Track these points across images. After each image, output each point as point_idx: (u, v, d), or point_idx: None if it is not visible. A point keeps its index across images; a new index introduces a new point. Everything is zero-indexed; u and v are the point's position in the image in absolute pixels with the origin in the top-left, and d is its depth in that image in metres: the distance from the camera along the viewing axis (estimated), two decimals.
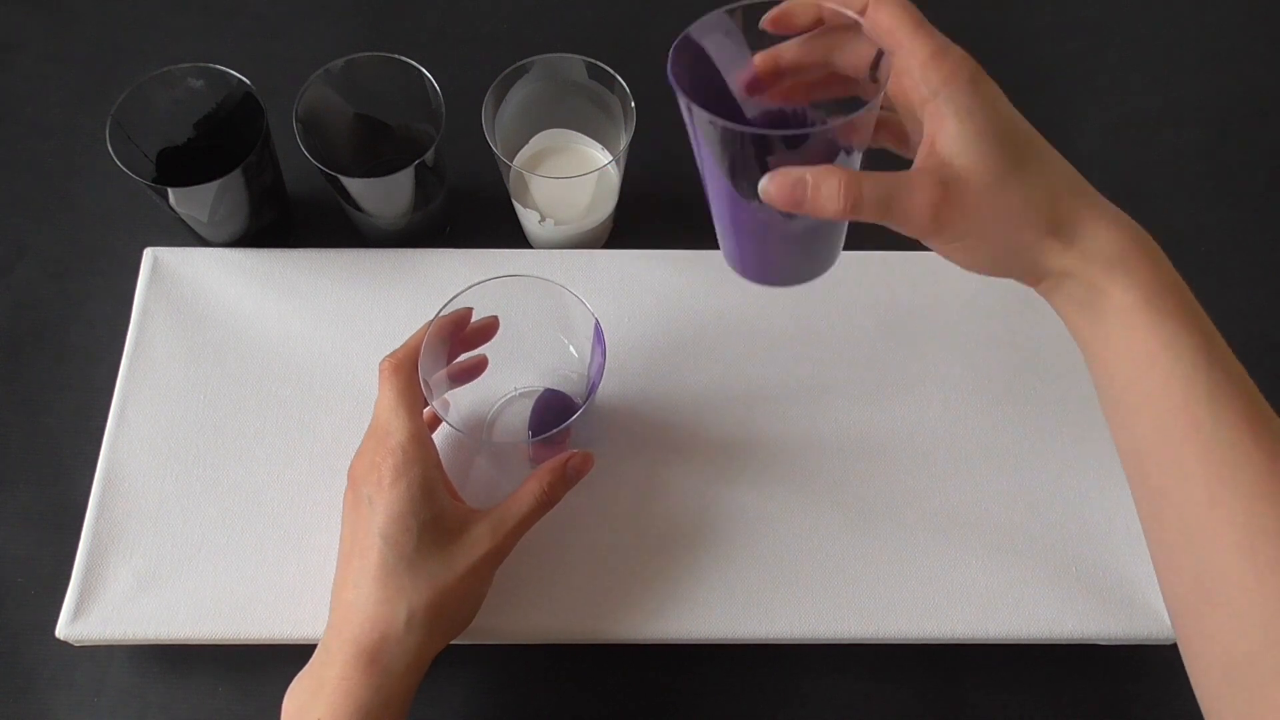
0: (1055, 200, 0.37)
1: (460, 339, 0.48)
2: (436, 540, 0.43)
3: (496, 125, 0.54)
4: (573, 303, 0.46)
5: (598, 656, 0.51)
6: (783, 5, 0.38)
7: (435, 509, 0.43)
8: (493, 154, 0.54)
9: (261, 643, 0.49)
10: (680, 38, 0.38)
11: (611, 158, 0.56)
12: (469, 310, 0.47)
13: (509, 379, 0.54)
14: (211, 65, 0.53)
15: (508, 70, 0.54)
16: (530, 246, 0.61)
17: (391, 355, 0.46)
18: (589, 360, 0.48)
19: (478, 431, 0.53)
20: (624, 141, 0.54)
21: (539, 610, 0.49)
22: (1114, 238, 0.37)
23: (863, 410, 0.54)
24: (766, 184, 0.36)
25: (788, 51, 0.39)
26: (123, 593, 0.49)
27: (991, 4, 0.72)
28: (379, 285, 0.56)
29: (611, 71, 0.54)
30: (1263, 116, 0.68)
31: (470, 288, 0.46)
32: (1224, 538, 0.34)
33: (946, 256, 0.39)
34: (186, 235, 0.57)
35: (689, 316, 0.56)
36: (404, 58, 0.53)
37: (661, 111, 0.65)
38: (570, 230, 0.58)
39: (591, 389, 0.46)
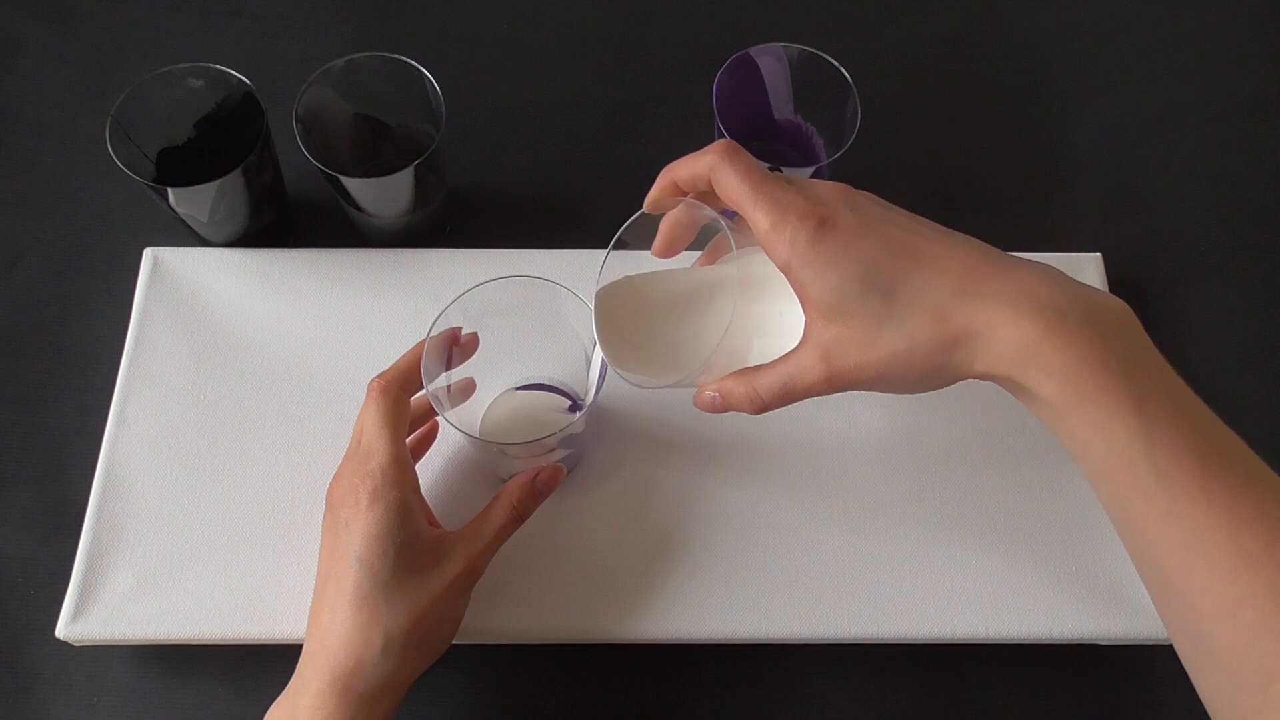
0: (941, 320, 0.36)
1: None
2: (412, 564, 0.43)
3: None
4: (575, 302, 0.46)
5: (598, 656, 0.51)
6: (658, 240, 0.42)
7: (411, 532, 0.43)
8: (496, 153, 0.54)
9: (261, 643, 0.49)
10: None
11: None
12: (458, 329, 0.46)
13: (510, 379, 0.54)
14: (211, 65, 0.53)
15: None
16: (543, 244, 0.61)
17: (381, 376, 0.45)
18: (590, 359, 0.48)
19: (485, 432, 0.53)
20: None
21: (538, 610, 0.49)
22: (1015, 332, 0.35)
23: (862, 410, 0.54)
24: (697, 401, 0.42)
25: (680, 229, 0.42)
26: (123, 593, 0.49)
27: (992, 4, 0.72)
28: (379, 285, 0.56)
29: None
30: (1263, 116, 0.68)
31: (471, 288, 0.46)
32: (1203, 606, 0.34)
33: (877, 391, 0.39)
34: (186, 235, 0.57)
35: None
36: (404, 58, 0.53)
37: (670, 109, 0.65)
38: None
39: (595, 388, 0.46)
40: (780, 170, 0.53)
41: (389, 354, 0.54)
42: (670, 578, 0.50)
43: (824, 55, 0.55)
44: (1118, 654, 0.52)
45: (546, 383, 0.55)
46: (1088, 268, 0.58)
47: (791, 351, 0.38)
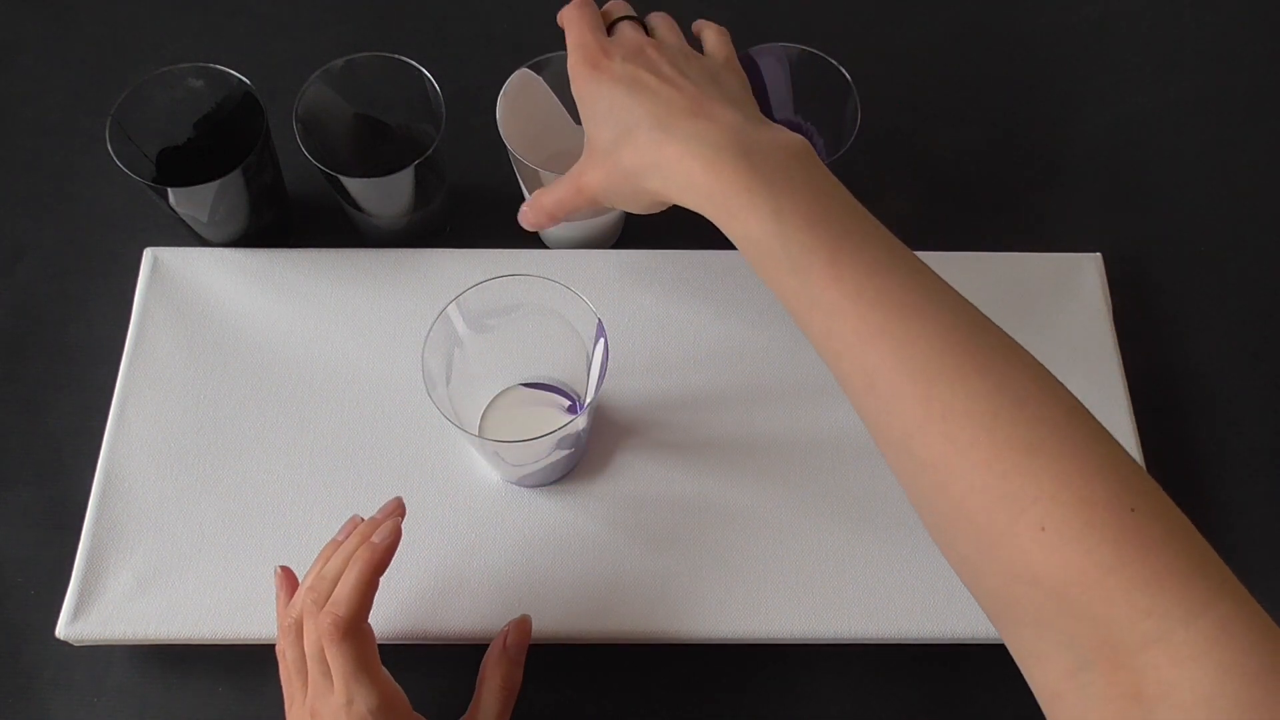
0: (639, 152, 0.43)
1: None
2: None
3: (509, 123, 0.54)
4: (575, 302, 0.46)
5: (598, 656, 0.51)
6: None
7: None
8: (495, 153, 0.54)
9: (261, 643, 0.49)
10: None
11: None
12: (395, 537, 0.42)
13: (510, 378, 0.54)
14: (211, 65, 0.53)
15: (522, 67, 0.54)
16: (543, 243, 0.61)
17: (336, 615, 0.40)
18: (590, 359, 0.48)
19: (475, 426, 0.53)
20: None
21: (537, 610, 0.49)
22: (681, 168, 0.41)
23: None
24: (521, 218, 0.51)
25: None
26: (123, 593, 0.49)
27: (992, 4, 0.72)
28: (379, 285, 0.56)
29: None
30: (1263, 116, 0.68)
31: (471, 288, 0.46)
32: (855, 379, 0.38)
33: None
34: (186, 235, 0.57)
35: (690, 316, 0.56)
36: (404, 58, 0.53)
37: None
38: (583, 228, 0.58)
39: (595, 387, 0.46)
40: None
41: (389, 354, 0.54)
42: (670, 578, 0.50)
43: (824, 55, 0.55)
44: None
45: (546, 382, 0.55)
46: (1088, 268, 0.58)
47: (571, 169, 0.47)
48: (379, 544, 0.41)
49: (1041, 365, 0.36)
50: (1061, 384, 0.36)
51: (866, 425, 0.38)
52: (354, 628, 0.40)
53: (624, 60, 0.45)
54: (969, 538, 0.35)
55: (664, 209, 0.46)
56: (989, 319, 0.37)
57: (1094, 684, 0.31)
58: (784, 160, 0.41)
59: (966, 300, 0.38)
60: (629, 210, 0.47)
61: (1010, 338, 0.37)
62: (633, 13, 0.49)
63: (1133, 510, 0.32)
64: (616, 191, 0.45)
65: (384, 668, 0.42)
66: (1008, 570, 0.33)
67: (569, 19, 0.48)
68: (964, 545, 0.35)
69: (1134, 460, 0.34)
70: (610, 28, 0.48)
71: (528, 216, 0.50)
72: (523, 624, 0.48)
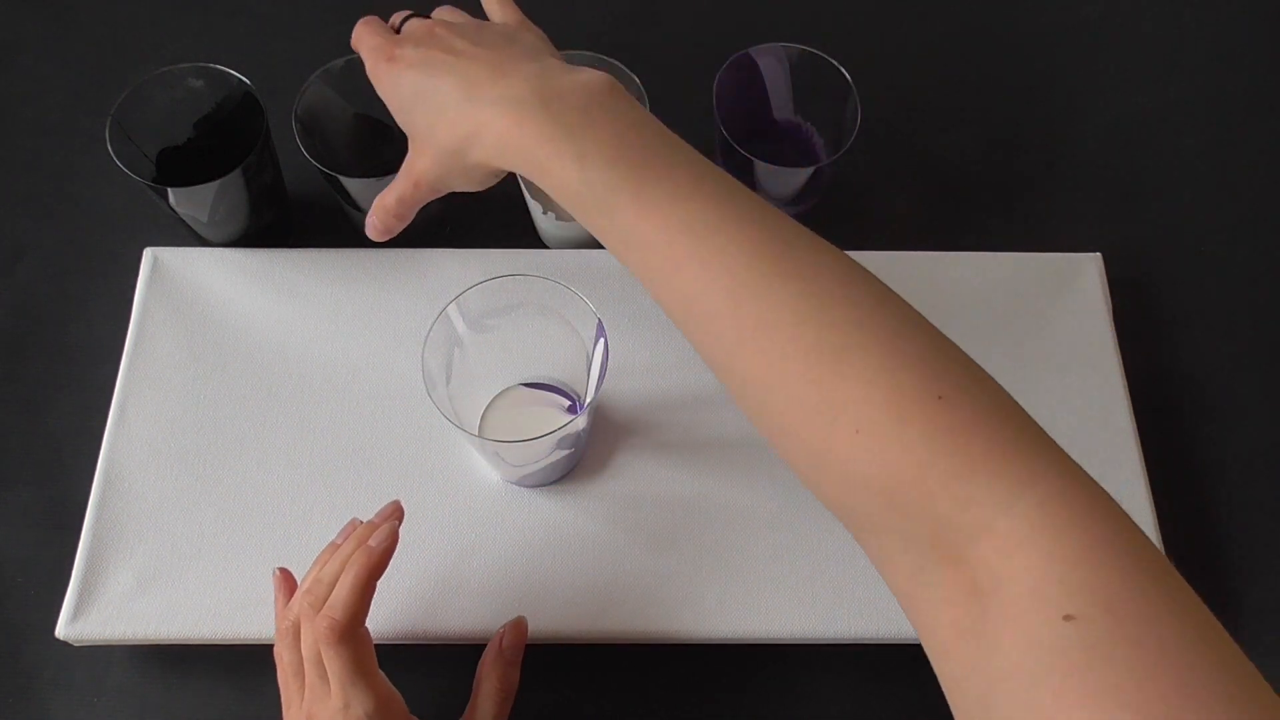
0: (454, 126, 0.41)
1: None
2: None
3: None
4: (575, 302, 0.46)
5: (598, 656, 0.51)
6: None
7: None
8: None
9: (261, 643, 0.49)
10: None
11: None
12: (392, 541, 0.42)
13: (510, 378, 0.54)
14: (211, 65, 0.53)
15: None
16: (543, 243, 0.61)
17: (333, 619, 0.40)
18: (590, 359, 0.48)
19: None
20: None
21: (536, 610, 0.49)
22: (493, 131, 0.40)
23: None
24: (369, 229, 0.49)
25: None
26: (123, 593, 0.49)
27: (992, 4, 0.72)
28: (379, 285, 0.56)
29: (624, 68, 0.54)
30: (1263, 116, 0.68)
31: (471, 288, 0.46)
32: (674, 310, 0.37)
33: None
34: (186, 235, 0.57)
35: None
36: None
37: (670, 109, 0.65)
38: (582, 227, 0.58)
39: (596, 387, 0.46)
40: (777, 168, 0.53)
41: (389, 354, 0.54)
42: (670, 578, 0.50)
43: (824, 55, 0.55)
44: None
45: (546, 382, 0.55)
46: (1088, 268, 0.58)
47: (402, 165, 0.46)
48: (375, 548, 0.41)
49: (853, 263, 0.36)
50: (873, 277, 0.35)
51: (700, 355, 0.38)
52: (350, 631, 0.40)
53: (416, 46, 0.44)
54: (799, 451, 0.34)
55: (500, 178, 0.45)
56: (804, 229, 0.37)
57: (936, 583, 0.31)
58: (584, 103, 0.39)
59: (780, 213, 0.37)
60: (468, 189, 0.45)
61: (822, 241, 0.36)
62: (414, 12, 0.49)
63: (940, 398, 0.31)
64: (448, 173, 0.44)
65: (380, 671, 0.42)
66: (839, 479, 0.33)
67: (357, 35, 0.48)
68: (797, 459, 0.35)
69: (947, 342, 0.34)
70: (399, 31, 0.48)
71: (374, 224, 0.48)
72: (519, 625, 0.48)
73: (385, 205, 0.47)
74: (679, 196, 0.37)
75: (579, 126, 0.39)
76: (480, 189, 0.46)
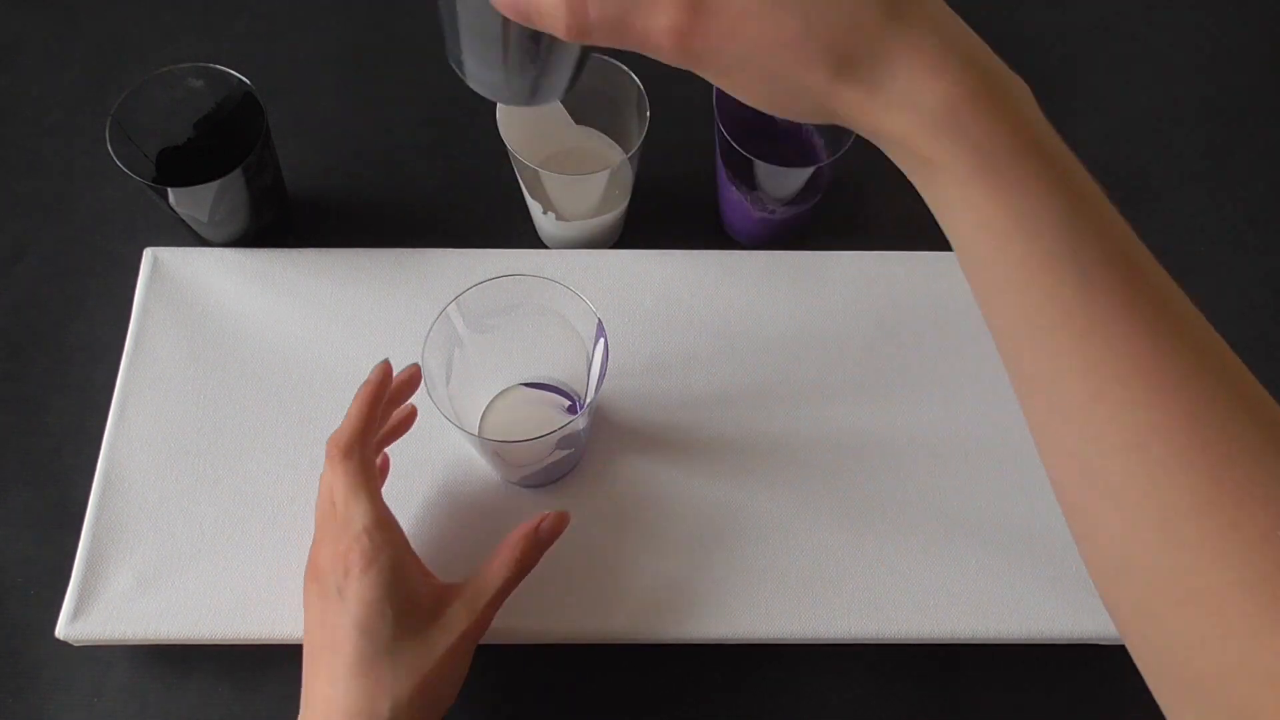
0: (852, 28, 0.28)
1: (391, 398, 0.46)
2: (413, 625, 0.41)
3: (509, 123, 0.54)
4: (575, 302, 0.46)
5: (597, 656, 0.51)
6: None
7: (409, 591, 0.42)
8: (498, 152, 0.54)
9: (261, 643, 0.49)
10: None
11: (625, 155, 0.56)
12: (388, 366, 0.46)
13: (510, 378, 0.54)
14: (211, 65, 0.53)
15: None
16: (544, 243, 0.61)
17: (337, 438, 0.43)
18: (590, 359, 0.48)
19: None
20: (638, 139, 0.53)
21: (535, 611, 0.49)
22: (934, 88, 0.28)
23: (863, 410, 0.54)
24: None
25: None
26: (123, 593, 0.49)
27: (992, 4, 0.72)
28: (379, 285, 0.56)
29: (624, 68, 0.54)
30: (1263, 116, 0.68)
31: (471, 288, 0.46)
32: (1110, 436, 0.29)
33: (727, 90, 0.31)
34: (186, 235, 0.57)
35: (691, 316, 0.56)
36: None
37: (670, 109, 0.65)
38: (582, 227, 0.58)
39: (595, 387, 0.46)
40: (777, 168, 0.53)
41: (389, 354, 0.54)
42: (670, 578, 0.50)
43: None
44: (1117, 654, 0.52)
45: (546, 382, 0.55)
46: None
47: None
48: (371, 379, 0.45)
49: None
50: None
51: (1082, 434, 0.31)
52: (351, 449, 0.43)
53: None
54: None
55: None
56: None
57: None
58: (1033, 107, 0.31)
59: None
60: (747, 100, 0.31)
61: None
62: None
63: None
64: (765, 57, 0.29)
65: (383, 499, 0.44)
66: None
67: None
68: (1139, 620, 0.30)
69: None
70: None
71: (550, 7, 0.29)
72: (563, 516, 0.46)
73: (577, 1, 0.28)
74: (1165, 303, 0.31)
75: (1051, 152, 0.30)
76: (756, 101, 0.31)
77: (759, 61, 0.28)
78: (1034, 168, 0.29)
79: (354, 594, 0.41)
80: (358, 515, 0.42)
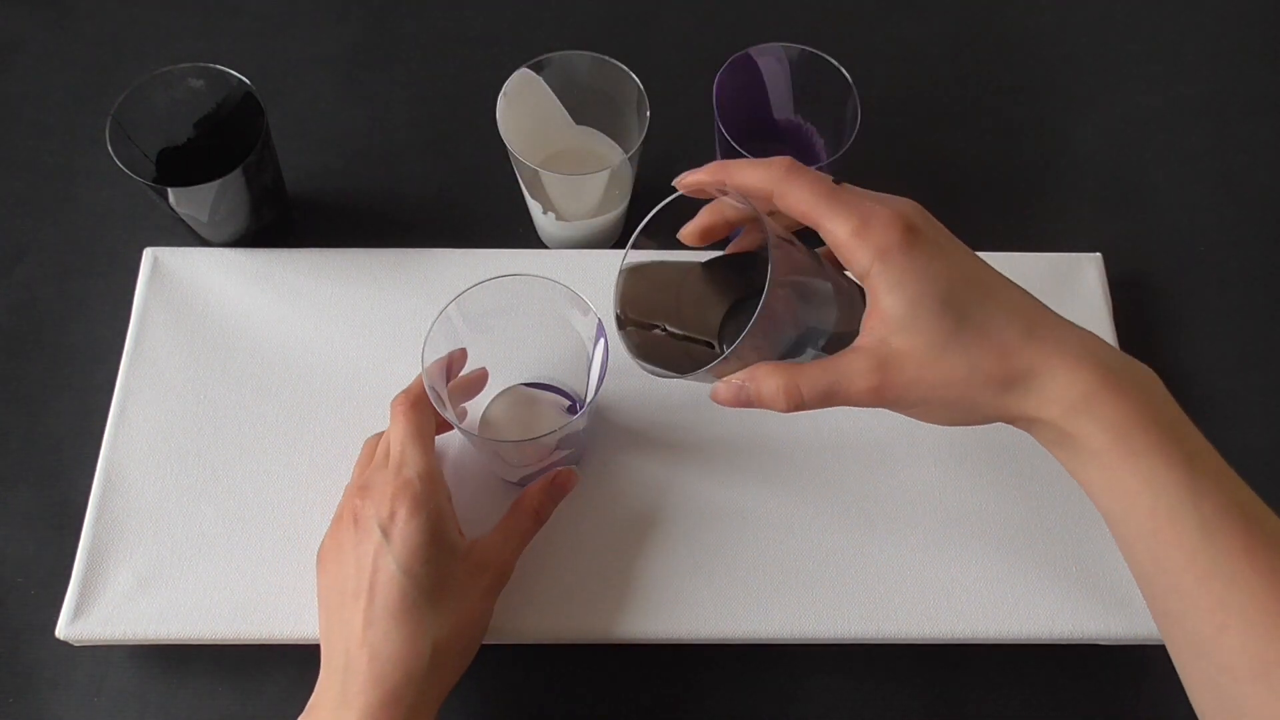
0: (1005, 356, 0.36)
1: (455, 384, 0.49)
2: (452, 572, 0.43)
3: (509, 123, 0.54)
4: (575, 302, 0.46)
5: (597, 656, 0.51)
6: (693, 225, 0.40)
7: (450, 541, 0.44)
8: (498, 152, 0.54)
9: (261, 643, 0.49)
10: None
11: (625, 155, 0.56)
12: (464, 351, 0.48)
13: (510, 378, 0.54)
14: (211, 65, 0.53)
15: (522, 67, 0.54)
16: (543, 242, 0.61)
17: (405, 394, 0.47)
18: (590, 359, 0.48)
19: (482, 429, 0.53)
20: (638, 139, 0.53)
21: (536, 611, 0.49)
22: (1074, 379, 0.35)
23: (863, 410, 0.54)
24: (716, 392, 0.38)
25: (720, 222, 0.41)
26: (123, 593, 0.49)
27: (992, 3, 0.72)
28: (379, 285, 0.56)
29: (624, 68, 0.54)
30: (1263, 116, 0.68)
31: (471, 288, 0.46)
32: (1239, 666, 0.34)
33: (915, 419, 0.39)
34: (186, 235, 0.57)
35: None
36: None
37: (670, 109, 0.65)
38: (582, 227, 0.58)
39: (595, 387, 0.46)
40: None
41: (389, 354, 0.55)
42: (670, 578, 0.50)
43: (824, 55, 0.55)
44: (1118, 654, 0.52)
45: (546, 382, 0.55)
46: (1088, 268, 0.58)
47: (843, 353, 0.37)
48: (448, 353, 0.47)
49: None
50: None
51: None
52: (417, 403, 0.46)
53: (930, 226, 0.38)
54: None
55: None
56: None
57: None
58: (1161, 393, 0.37)
59: None
60: (928, 422, 0.39)
61: None
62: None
63: None
64: (943, 397, 0.37)
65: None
66: None
67: (797, 178, 0.38)
68: None
69: None
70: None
71: (726, 396, 0.38)
72: (572, 474, 0.50)
73: (792, 389, 0.37)
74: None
75: (1175, 426, 0.36)
76: (937, 422, 0.39)
77: (939, 396, 0.37)
78: (1156, 437, 0.35)
79: (401, 537, 0.42)
80: (412, 461, 0.44)
